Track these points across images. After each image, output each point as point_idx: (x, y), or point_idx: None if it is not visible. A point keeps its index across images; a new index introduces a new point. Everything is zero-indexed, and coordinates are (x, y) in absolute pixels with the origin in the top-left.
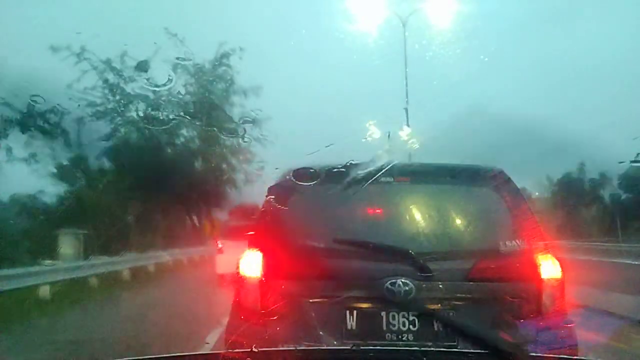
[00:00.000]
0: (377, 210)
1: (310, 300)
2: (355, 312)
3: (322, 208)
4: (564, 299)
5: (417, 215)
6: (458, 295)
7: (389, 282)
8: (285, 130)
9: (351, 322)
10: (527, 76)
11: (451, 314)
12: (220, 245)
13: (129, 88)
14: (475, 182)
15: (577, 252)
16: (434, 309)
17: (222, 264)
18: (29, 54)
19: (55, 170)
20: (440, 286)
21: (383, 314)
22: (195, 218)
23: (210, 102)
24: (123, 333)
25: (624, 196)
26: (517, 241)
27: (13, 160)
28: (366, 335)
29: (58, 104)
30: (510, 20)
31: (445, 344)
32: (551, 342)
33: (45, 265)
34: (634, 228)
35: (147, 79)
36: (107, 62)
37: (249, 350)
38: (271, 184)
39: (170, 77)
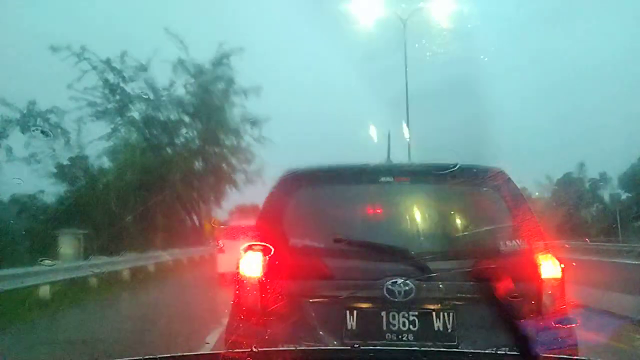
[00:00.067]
0: (377, 210)
1: (310, 300)
2: (355, 312)
3: (323, 208)
4: (564, 299)
5: (417, 215)
6: (458, 295)
7: (389, 282)
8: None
9: (351, 322)
10: (527, 76)
11: (451, 314)
12: (221, 245)
13: (129, 88)
14: (475, 182)
15: (577, 252)
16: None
17: (223, 263)
18: (29, 54)
19: (55, 170)
20: (440, 286)
21: (383, 314)
22: (195, 218)
23: (210, 102)
24: (123, 333)
25: (624, 196)
26: (517, 241)
27: (13, 160)
28: (366, 335)
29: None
30: (510, 20)
31: (445, 344)
32: (551, 342)
33: (45, 265)
34: (634, 228)
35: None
36: (107, 62)
37: (249, 350)
38: (271, 184)
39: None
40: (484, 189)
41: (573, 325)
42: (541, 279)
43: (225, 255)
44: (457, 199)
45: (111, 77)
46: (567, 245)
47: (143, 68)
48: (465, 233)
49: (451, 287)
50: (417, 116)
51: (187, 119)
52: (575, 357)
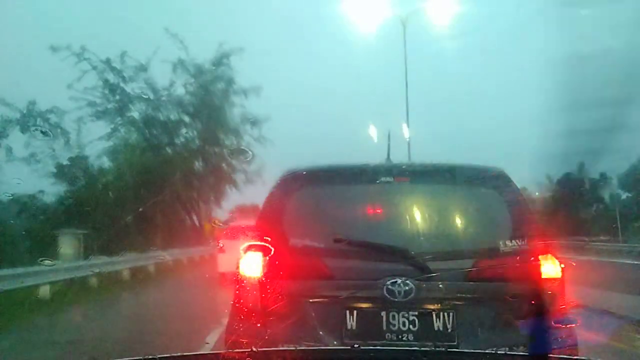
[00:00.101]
0: (377, 210)
1: (310, 300)
2: (355, 312)
3: (323, 208)
4: (564, 299)
5: (417, 215)
6: (458, 295)
7: (389, 282)
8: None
9: (351, 322)
10: (527, 76)
11: (451, 314)
12: (221, 245)
13: (129, 88)
14: (475, 182)
15: (577, 252)
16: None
17: (224, 263)
18: (29, 54)
19: (55, 170)
20: (440, 286)
21: (383, 314)
22: (195, 218)
23: (210, 102)
24: (123, 333)
25: (624, 196)
26: (517, 241)
27: (13, 160)
28: (366, 335)
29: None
30: (510, 20)
31: (445, 344)
32: (551, 342)
33: (45, 265)
34: (634, 228)
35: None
36: (107, 62)
37: (249, 350)
38: (271, 184)
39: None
40: (484, 189)
41: (573, 325)
42: (541, 279)
43: (225, 255)
44: (457, 199)
45: (111, 77)
46: (567, 245)
47: (143, 68)
48: (465, 233)
49: (451, 287)
50: (417, 116)
51: (187, 119)
52: (575, 357)
